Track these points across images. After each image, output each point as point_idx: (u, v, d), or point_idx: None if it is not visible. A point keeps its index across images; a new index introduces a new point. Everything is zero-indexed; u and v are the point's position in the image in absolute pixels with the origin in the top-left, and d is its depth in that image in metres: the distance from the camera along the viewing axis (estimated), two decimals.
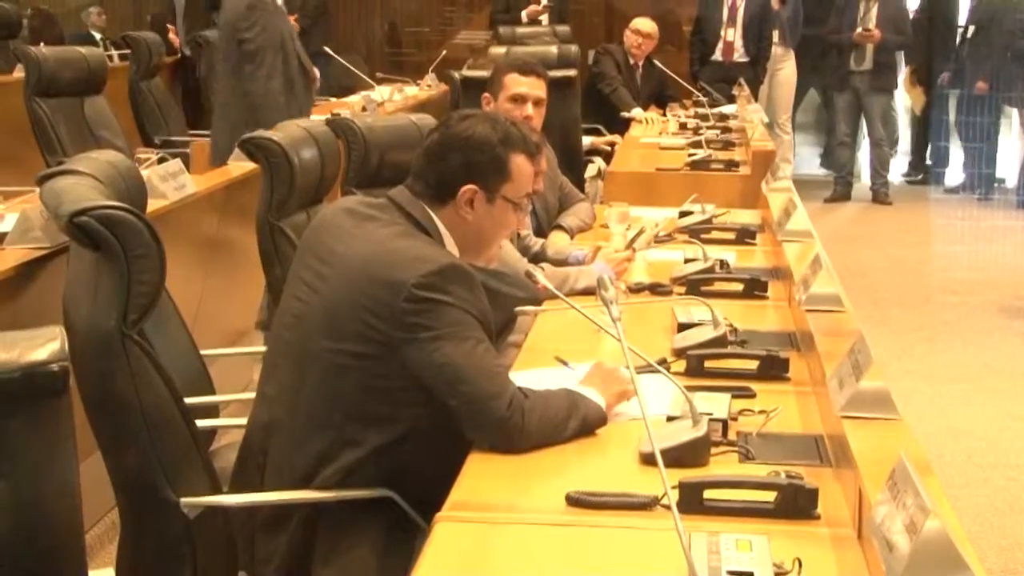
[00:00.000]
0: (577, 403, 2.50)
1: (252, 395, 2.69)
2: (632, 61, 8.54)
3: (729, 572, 1.85)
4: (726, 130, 7.15)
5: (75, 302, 2.41)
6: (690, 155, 6.22)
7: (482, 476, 2.31)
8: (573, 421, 2.47)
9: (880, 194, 10.36)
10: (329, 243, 2.57)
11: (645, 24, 8.57)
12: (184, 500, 2.37)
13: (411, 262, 2.42)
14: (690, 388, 2.49)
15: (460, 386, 2.40)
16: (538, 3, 10.21)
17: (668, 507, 1.87)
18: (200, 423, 2.54)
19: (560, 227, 4.37)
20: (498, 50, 7.52)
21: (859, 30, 10.10)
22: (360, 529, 2.46)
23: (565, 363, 2.85)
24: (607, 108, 8.20)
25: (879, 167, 10.47)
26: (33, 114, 6.09)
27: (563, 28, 9.88)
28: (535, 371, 2.83)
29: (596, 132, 7.68)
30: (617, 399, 2.59)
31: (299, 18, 10.10)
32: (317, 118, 4.59)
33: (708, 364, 2.85)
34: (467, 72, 6.11)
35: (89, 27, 10.68)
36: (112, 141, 6.15)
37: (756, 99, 8.56)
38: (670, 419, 2.44)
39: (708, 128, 7.16)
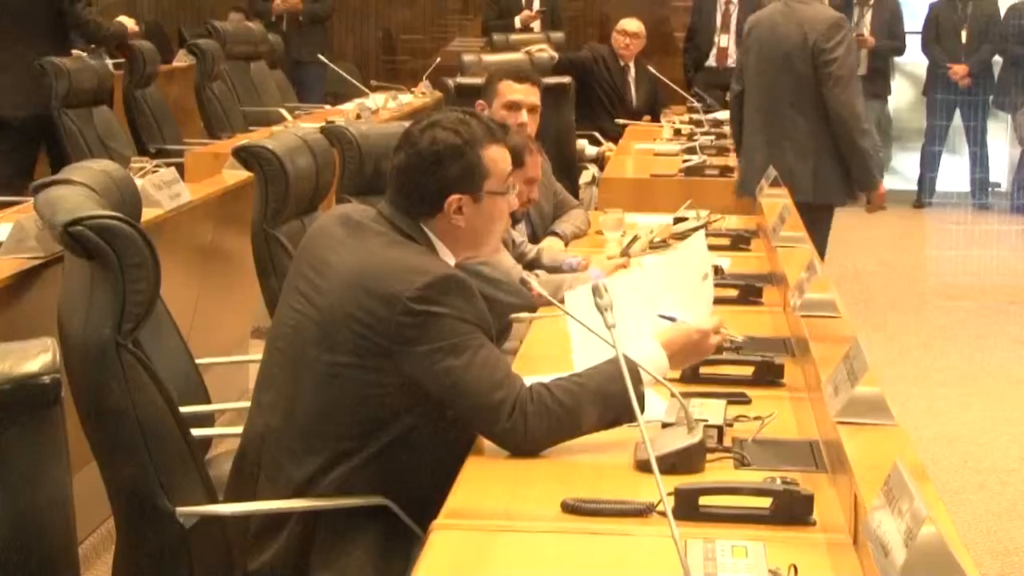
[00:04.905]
0: (606, 391, 2.42)
1: (248, 404, 2.69)
2: (622, 63, 8.52)
3: None
4: (720, 136, 7.14)
5: (70, 312, 2.41)
6: (684, 161, 6.22)
7: (478, 483, 2.31)
8: (595, 412, 2.42)
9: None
10: (323, 253, 2.56)
11: (631, 24, 8.54)
12: (180, 509, 2.37)
13: (406, 273, 2.41)
14: (685, 395, 2.49)
15: (460, 399, 2.40)
16: (531, 9, 10.20)
17: (664, 514, 1.87)
18: (196, 432, 2.53)
19: (555, 233, 4.36)
20: (471, 57, 7.52)
21: (853, 35, 10.11)
22: (356, 537, 2.46)
23: (671, 319, 2.74)
24: (600, 113, 8.19)
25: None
26: (65, 127, 6.03)
27: (557, 34, 9.87)
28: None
29: (592, 139, 7.67)
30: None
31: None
32: (311, 126, 4.58)
33: (703, 370, 2.84)
34: (461, 79, 6.11)
35: None
36: (122, 152, 6.07)
37: None
38: (665, 425, 2.44)
39: (702, 134, 7.15)
